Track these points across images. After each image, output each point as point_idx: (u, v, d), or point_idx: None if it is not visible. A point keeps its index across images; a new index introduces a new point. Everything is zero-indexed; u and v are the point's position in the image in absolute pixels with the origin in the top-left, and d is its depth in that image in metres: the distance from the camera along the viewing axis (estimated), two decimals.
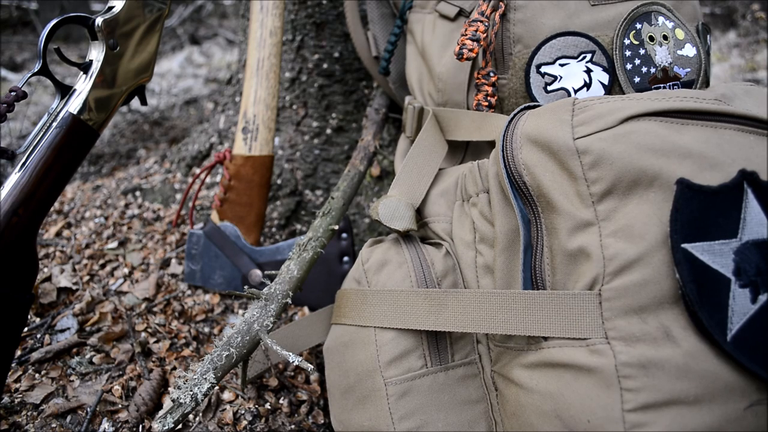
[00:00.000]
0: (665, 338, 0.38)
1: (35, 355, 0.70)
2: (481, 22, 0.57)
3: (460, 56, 0.57)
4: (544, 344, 0.44)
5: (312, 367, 0.53)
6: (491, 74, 0.60)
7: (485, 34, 0.57)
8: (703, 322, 0.38)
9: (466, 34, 0.57)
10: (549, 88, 0.58)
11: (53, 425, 0.62)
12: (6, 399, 0.63)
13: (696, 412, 0.37)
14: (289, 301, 0.60)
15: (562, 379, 0.42)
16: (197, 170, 1.08)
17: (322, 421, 0.69)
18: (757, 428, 0.38)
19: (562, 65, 0.57)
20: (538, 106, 0.51)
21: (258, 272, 0.81)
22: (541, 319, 0.44)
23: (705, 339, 0.38)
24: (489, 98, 0.61)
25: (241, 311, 0.84)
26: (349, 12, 0.86)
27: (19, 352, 0.71)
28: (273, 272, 0.64)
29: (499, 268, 0.49)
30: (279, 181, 0.99)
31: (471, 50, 0.56)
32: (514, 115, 0.50)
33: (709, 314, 0.38)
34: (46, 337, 0.74)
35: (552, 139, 0.45)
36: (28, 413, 0.63)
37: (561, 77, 0.57)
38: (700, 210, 0.40)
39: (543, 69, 0.58)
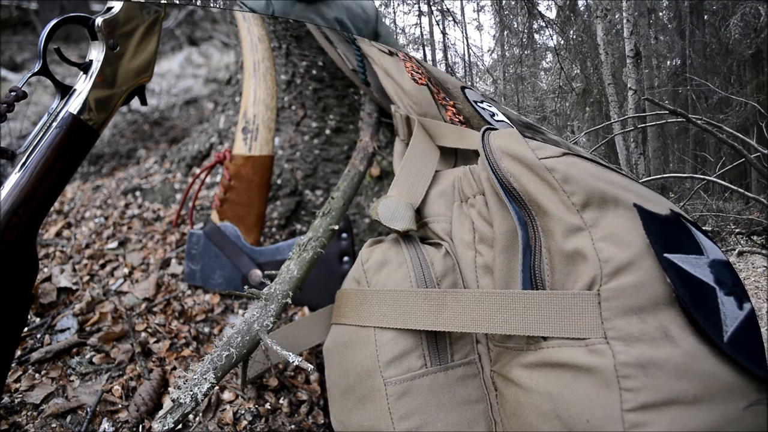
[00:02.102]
0: (664, 338, 0.38)
1: (35, 355, 0.70)
2: (410, 60, 0.59)
3: (414, 82, 0.58)
4: (544, 344, 0.44)
5: (312, 367, 0.53)
6: (447, 98, 0.61)
7: (420, 71, 0.58)
8: (699, 323, 0.38)
9: (407, 68, 0.59)
10: (495, 118, 0.59)
11: (53, 425, 0.62)
12: (6, 399, 0.64)
13: (695, 412, 0.37)
14: (289, 301, 0.60)
15: (562, 379, 0.42)
16: (197, 170, 1.08)
17: (322, 421, 0.69)
18: (757, 428, 0.38)
19: (489, 104, 0.59)
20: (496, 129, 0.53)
21: (258, 272, 0.81)
22: (540, 319, 0.44)
23: (703, 339, 0.38)
24: (456, 116, 0.62)
25: (241, 311, 0.84)
26: (314, 33, 0.88)
27: (19, 352, 0.71)
28: (273, 272, 0.64)
29: (499, 268, 0.49)
30: (279, 181, 0.99)
31: (420, 78, 0.58)
32: (483, 133, 0.52)
33: (704, 316, 0.38)
34: (46, 337, 0.74)
35: (522, 156, 0.47)
36: (28, 413, 0.63)
37: (496, 112, 0.59)
38: (664, 230, 0.41)
39: (480, 105, 0.59)
